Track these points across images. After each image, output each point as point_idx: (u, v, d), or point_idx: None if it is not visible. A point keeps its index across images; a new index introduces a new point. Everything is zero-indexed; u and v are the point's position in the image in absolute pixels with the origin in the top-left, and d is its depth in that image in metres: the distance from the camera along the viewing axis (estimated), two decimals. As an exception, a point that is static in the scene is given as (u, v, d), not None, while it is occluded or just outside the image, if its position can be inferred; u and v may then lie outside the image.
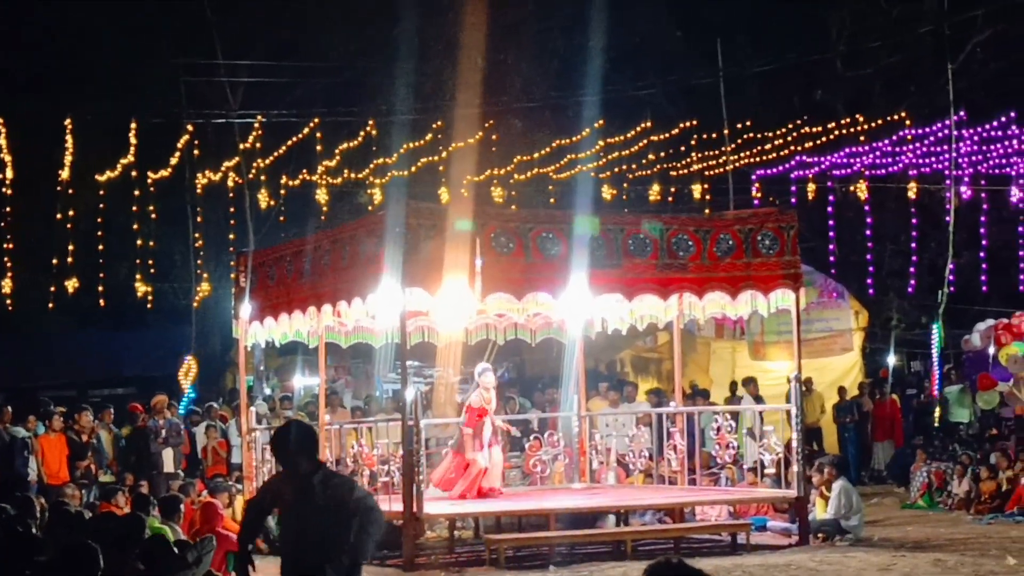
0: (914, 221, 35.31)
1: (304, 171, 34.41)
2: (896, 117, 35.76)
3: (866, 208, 35.64)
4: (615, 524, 19.33)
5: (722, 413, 19.94)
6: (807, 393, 25.38)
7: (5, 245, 30.97)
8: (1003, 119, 32.87)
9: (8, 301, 30.78)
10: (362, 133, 34.43)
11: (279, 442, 9.29)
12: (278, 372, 32.57)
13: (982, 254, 34.77)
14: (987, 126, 33.14)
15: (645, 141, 36.09)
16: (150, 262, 33.22)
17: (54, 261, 32.14)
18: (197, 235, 32.86)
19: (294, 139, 33.89)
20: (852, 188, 36.18)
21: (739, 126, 35.24)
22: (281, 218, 34.75)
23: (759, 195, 35.24)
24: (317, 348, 19.97)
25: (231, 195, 33.08)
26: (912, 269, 35.69)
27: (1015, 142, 32.80)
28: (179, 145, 32.19)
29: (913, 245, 35.59)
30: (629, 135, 36.00)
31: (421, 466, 16.80)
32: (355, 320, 19.75)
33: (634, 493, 20.31)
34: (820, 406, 27.81)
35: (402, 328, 17.26)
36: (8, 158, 30.41)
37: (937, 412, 28.25)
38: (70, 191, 31.62)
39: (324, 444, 18.66)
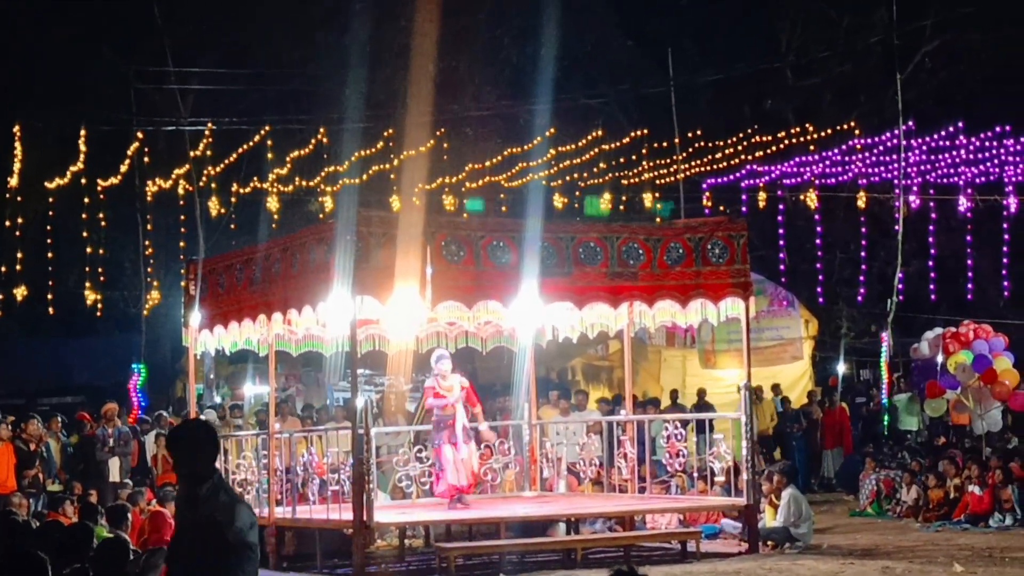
0: (864, 230, 35.52)
1: (255, 179, 34.30)
2: (846, 127, 35.98)
3: (816, 217, 35.82)
4: (566, 532, 19.34)
5: (672, 421, 19.98)
6: (757, 401, 25.48)
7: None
8: (951, 129, 33.12)
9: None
10: (313, 141, 34.36)
11: (178, 440, 8.23)
12: (228, 380, 32.44)
13: (931, 263, 35.01)
14: (936, 136, 33.38)
15: (596, 150, 36.15)
16: (100, 270, 33.04)
17: (2, 269, 31.94)
18: (147, 243, 32.71)
19: (245, 147, 33.78)
20: (802, 197, 36.34)
21: (690, 135, 35.35)
22: (232, 226, 34.62)
23: (710, 204, 35.36)
24: (267, 356, 19.88)
25: (181, 203, 32.95)
26: (862, 278, 35.91)
27: (963, 151, 33.05)
28: (129, 152, 32.04)
29: (863, 254, 35.81)
30: (580, 144, 36.05)
31: (371, 474, 16.75)
32: (305, 328, 19.72)
33: (584, 501, 20.33)
34: (770, 414, 27.92)
35: (352, 336, 17.22)
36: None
37: (886, 420, 28.45)
38: (19, 198, 31.42)
39: (275, 452, 18.59)
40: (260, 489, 18.92)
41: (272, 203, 33.78)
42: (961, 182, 34.17)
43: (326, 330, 19.82)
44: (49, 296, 32.26)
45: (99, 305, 33.02)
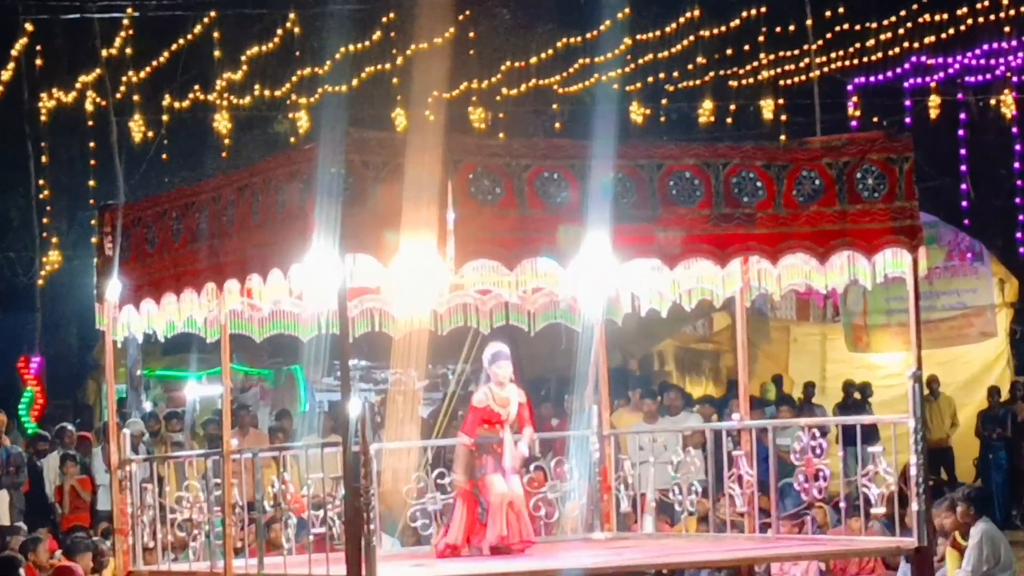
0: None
1: (196, 88, 34.45)
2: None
3: (1013, 131, 35.75)
4: (655, 591, 19.44)
5: (808, 429, 19.98)
6: (931, 398, 25.47)
7: None
8: None
9: None
10: (280, 33, 34.47)
11: None
12: (162, 380, 32.66)
13: None
14: None
15: (691, 38, 36.17)
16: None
17: None
18: (42, 183, 32.90)
19: (181, 42, 33.92)
20: (993, 102, 36.28)
21: (828, 14, 35.32)
22: (164, 156, 34.80)
23: (858, 114, 35.34)
24: (219, 342, 20.03)
25: (90, 124, 33.11)
26: (1084, 218, 35.88)
27: None
28: (13, 53, 32.21)
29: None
30: (668, 30, 36.08)
31: (372, 510, 16.86)
32: (273, 302, 19.81)
33: (682, 546, 20.40)
34: (951, 416, 27.91)
35: (342, 313, 17.29)
36: None
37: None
38: None
39: (231, 481, 18.73)
40: (212, 533, 19.07)
41: (221, 122, 33.91)
42: None
43: (303, 304, 19.94)
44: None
45: (-26, 273, 33.31)
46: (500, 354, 18.85)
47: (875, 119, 34.65)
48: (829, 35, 35.53)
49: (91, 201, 30.70)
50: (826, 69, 35.47)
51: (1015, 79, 35.67)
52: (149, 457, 20.90)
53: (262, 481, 19.06)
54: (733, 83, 36.71)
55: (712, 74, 36.46)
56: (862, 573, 20.22)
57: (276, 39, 34.47)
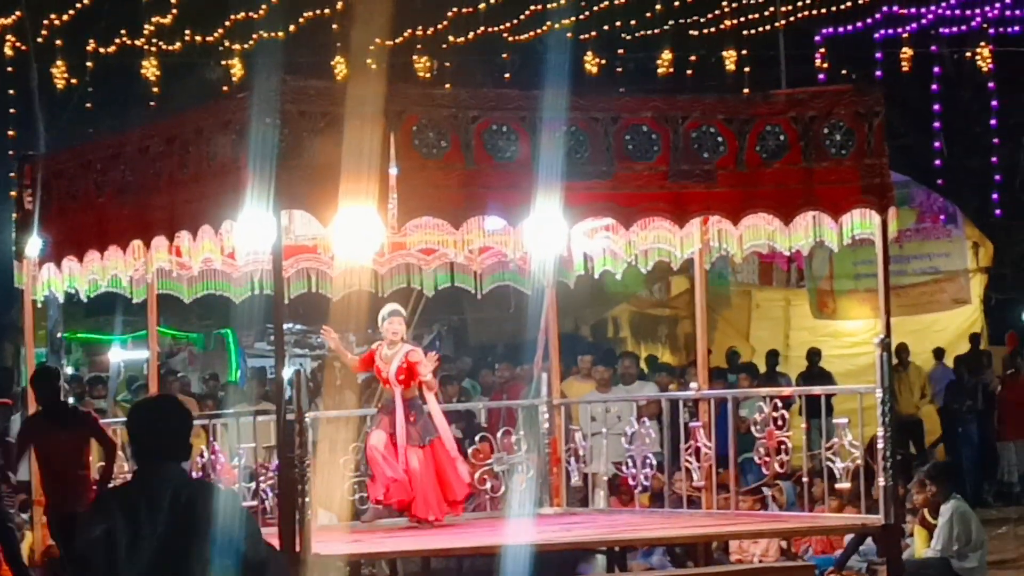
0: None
1: (123, 32, 34.31)
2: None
3: (991, 85, 35.81)
4: (606, 569, 19.45)
5: (770, 399, 20.02)
6: (900, 368, 25.57)
7: None
8: None
9: None
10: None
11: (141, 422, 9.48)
12: (85, 344, 32.56)
13: None
14: None
15: (650, -17, 36.18)
16: None
17: None
18: (-45, 132, 32.73)
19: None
20: (968, 54, 36.34)
21: (794, -43, 35.37)
22: (88, 104, 34.65)
23: (825, 65, 35.37)
24: (145, 304, 19.99)
25: (9, 69, 32.96)
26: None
27: None
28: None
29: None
30: (625, -26, 36.06)
31: (307, 481, 16.88)
32: (203, 261, 19.78)
33: (635, 522, 20.44)
34: (920, 387, 28.00)
35: (276, 273, 17.28)
36: None
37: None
38: None
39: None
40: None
41: (149, 69, 33.79)
42: None
43: (235, 264, 19.91)
44: None
45: None
46: (394, 312, 19.29)
47: (844, 71, 34.68)
48: (796, -19, 35.57)
49: (10, 152, 30.53)
50: (792, 18, 35.47)
51: (992, 31, 35.70)
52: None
53: (191, 450, 19.07)
54: (694, 32, 36.68)
55: (671, 22, 36.42)
56: (825, 551, 20.25)
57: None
